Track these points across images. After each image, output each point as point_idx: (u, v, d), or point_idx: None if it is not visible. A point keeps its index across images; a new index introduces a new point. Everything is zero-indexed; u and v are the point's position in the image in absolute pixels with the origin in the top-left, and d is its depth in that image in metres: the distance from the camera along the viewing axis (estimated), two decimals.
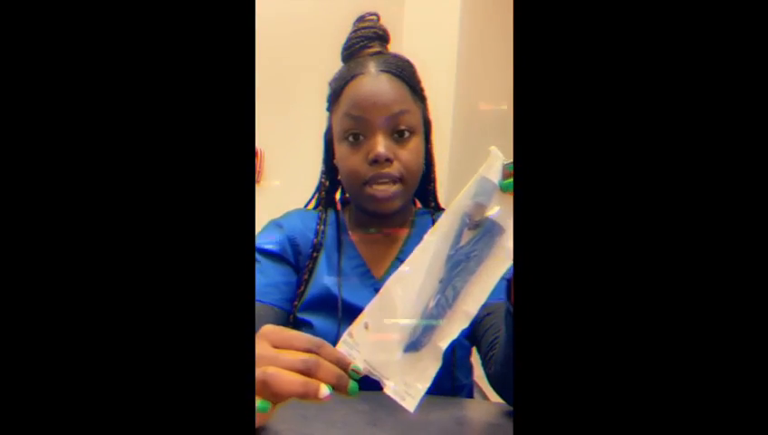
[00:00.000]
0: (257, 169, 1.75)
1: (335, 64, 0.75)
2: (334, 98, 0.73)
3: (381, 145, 0.66)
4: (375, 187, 0.68)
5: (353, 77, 0.70)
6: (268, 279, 0.69)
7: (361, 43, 0.73)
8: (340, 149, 0.71)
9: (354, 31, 0.75)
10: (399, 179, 0.68)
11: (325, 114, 0.77)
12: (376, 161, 0.67)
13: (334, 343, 0.65)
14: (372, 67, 0.70)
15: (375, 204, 0.69)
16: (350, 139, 0.69)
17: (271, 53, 1.50)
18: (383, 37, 0.75)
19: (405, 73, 0.70)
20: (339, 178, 0.77)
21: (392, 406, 0.39)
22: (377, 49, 0.73)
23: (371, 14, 0.75)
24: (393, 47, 0.77)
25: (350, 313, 0.68)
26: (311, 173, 0.85)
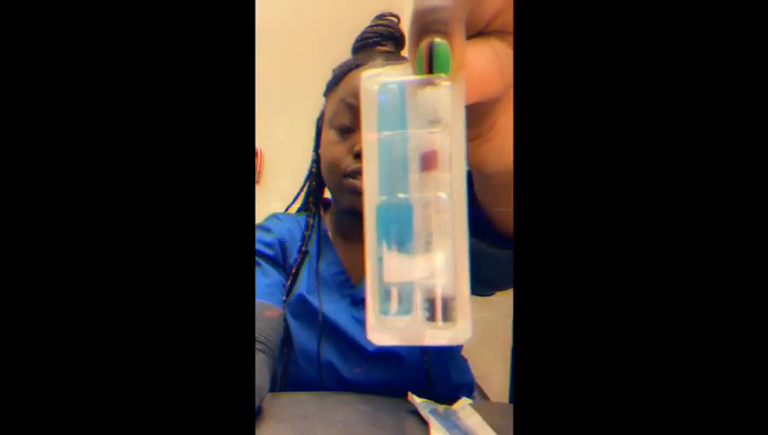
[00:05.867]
0: (257, 169, 1.75)
1: (335, 64, 0.75)
2: (334, 83, 0.70)
3: None
4: (355, 180, 0.65)
5: (358, 66, 0.67)
6: (270, 279, 0.68)
7: (375, 39, 0.71)
8: (327, 136, 0.68)
9: (371, 26, 0.73)
10: None
11: None
12: (360, 156, 0.65)
13: (316, 357, 0.62)
14: (380, 61, 0.67)
15: (352, 197, 0.66)
16: (340, 127, 0.66)
17: (271, 53, 1.50)
18: (398, 39, 0.73)
19: None
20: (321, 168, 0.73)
21: (392, 406, 0.39)
22: (389, 48, 0.71)
23: (392, 15, 0.74)
24: None
25: (329, 327, 0.65)
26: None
